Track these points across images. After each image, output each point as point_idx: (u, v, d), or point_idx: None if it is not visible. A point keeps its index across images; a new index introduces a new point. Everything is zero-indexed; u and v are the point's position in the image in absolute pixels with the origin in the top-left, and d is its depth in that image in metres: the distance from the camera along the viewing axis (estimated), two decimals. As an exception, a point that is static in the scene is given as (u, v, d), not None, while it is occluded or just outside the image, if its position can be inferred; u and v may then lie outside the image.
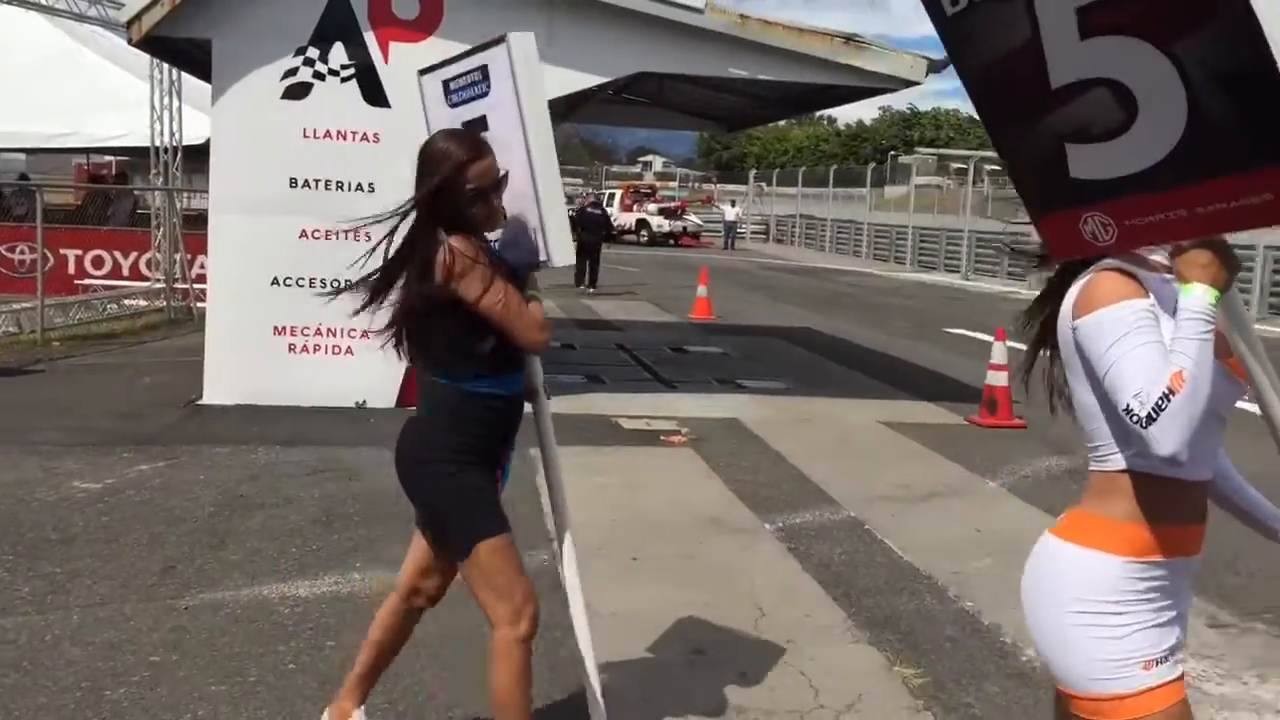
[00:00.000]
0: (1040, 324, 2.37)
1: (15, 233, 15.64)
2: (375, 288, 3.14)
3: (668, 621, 4.78)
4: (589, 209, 22.63)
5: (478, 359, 3.12)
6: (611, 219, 38.40)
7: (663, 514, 6.46)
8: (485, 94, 3.41)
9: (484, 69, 3.40)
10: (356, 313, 3.17)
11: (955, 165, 41.53)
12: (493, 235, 3.26)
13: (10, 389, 9.31)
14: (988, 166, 41.64)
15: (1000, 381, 9.41)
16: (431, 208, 3.07)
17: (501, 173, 3.17)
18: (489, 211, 3.17)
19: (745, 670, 4.28)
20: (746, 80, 9.41)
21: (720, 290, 19.82)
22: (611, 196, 43.84)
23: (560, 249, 3.27)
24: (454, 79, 3.54)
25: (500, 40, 3.33)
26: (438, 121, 3.57)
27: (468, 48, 9.78)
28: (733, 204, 45.97)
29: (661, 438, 8.37)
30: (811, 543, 6.01)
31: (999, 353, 9.54)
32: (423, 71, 3.67)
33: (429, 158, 3.11)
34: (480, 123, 3.37)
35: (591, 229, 21.26)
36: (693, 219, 44.44)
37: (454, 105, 3.53)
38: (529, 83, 3.27)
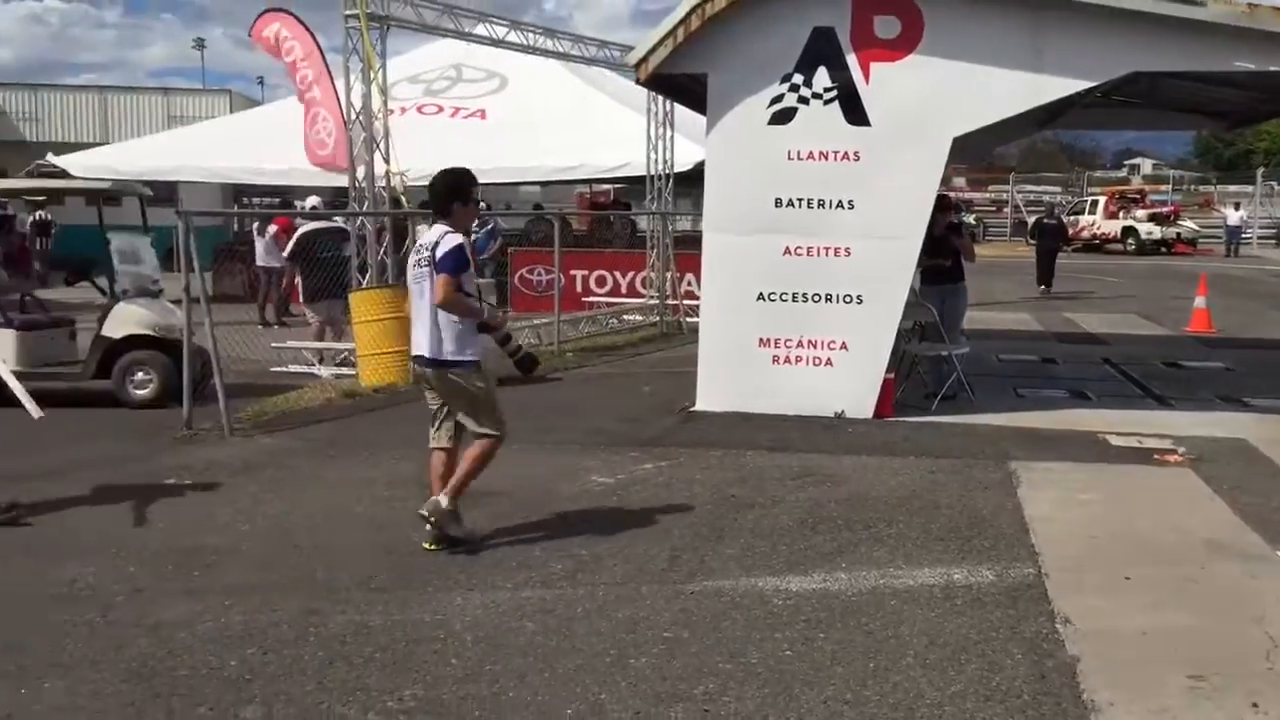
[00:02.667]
0: None
1: (535, 257, 17.71)
2: None
3: (1163, 642, 4.60)
4: (1044, 220, 25.50)
5: None
6: (1087, 226, 38.10)
7: (1156, 534, 6.16)
8: None
9: None
10: None
11: None
12: None
13: (535, 395, 10.57)
14: None
15: None
16: None
17: None
18: None
19: (1256, 700, 4.04)
20: (1253, 73, 8.67)
21: (1222, 301, 18.19)
22: (1095, 203, 41.52)
23: None
24: None
25: None
26: None
27: (947, 64, 9.83)
28: (1237, 206, 41.75)
29: (1155, 456, 7.93)
30: (1334, 575, 5.48)
31: None
32: None
33: None
34: None
35: (1049, 237, 23.73)
36: (1188, 224, 40.92)
37: None
38: None
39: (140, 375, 9.97)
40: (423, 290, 5.73)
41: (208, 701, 4.03)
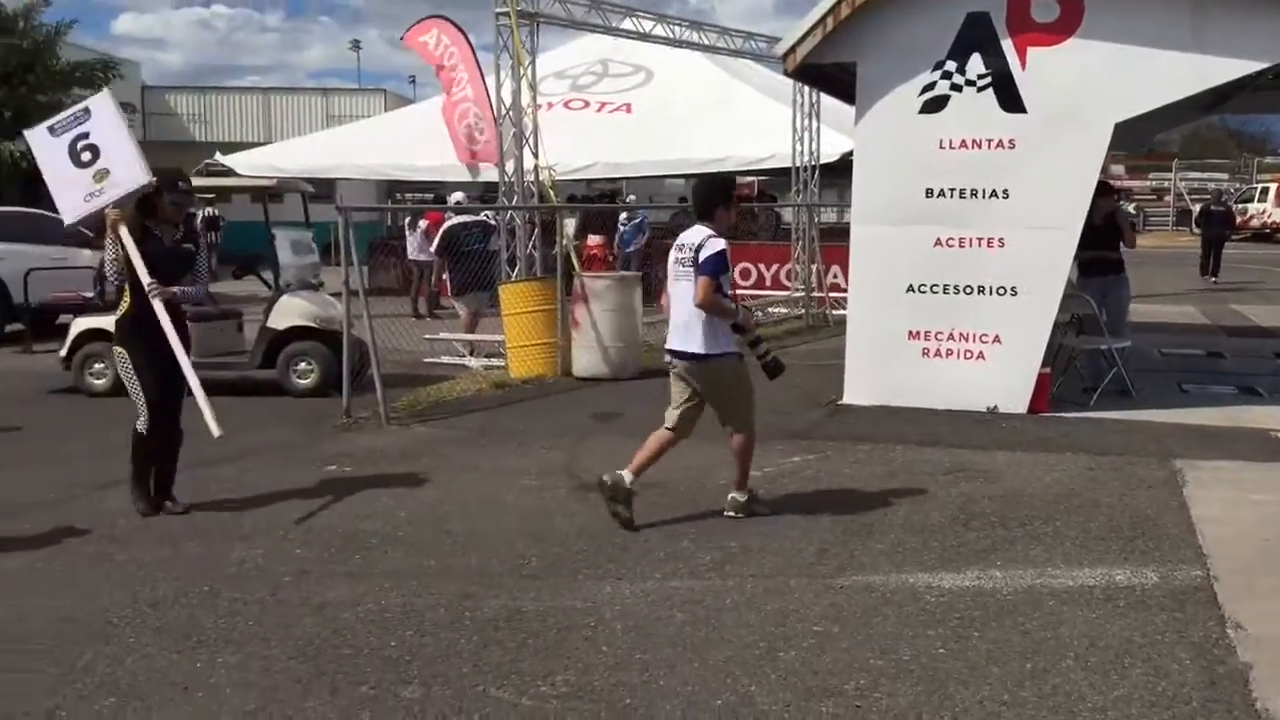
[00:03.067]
0: None
1: (678, 249, 17.72)
2: None
3: (1347, 654, 4.37)
4: (1211, 208, 24.33)
5: None
6: (1256, 214, 36.51)
7: (1337, 539, 5.83)
8: None
9: None
10: None
11: None
12: None
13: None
14: None
15: None
16: None
17: None
18: None
19: None
20: None
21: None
22: (1264, 191, 39.53)
23: None
24: None
25: None
26: None
27: (1108, 47, 9.53)
28: None
29: (1333, 456, 7.52)
30: None
31: None
32: None
33: None
34: None
35: (1216, 225, 23.07)
36: (1369, 211, 38.63)
37: None
38: None
39: (303, 365, 10.37)
40: (683, 289, 5.95)
41: (369, 681, 4.18)
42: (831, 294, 15.50)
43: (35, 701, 4.01)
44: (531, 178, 12.05)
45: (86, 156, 6.58)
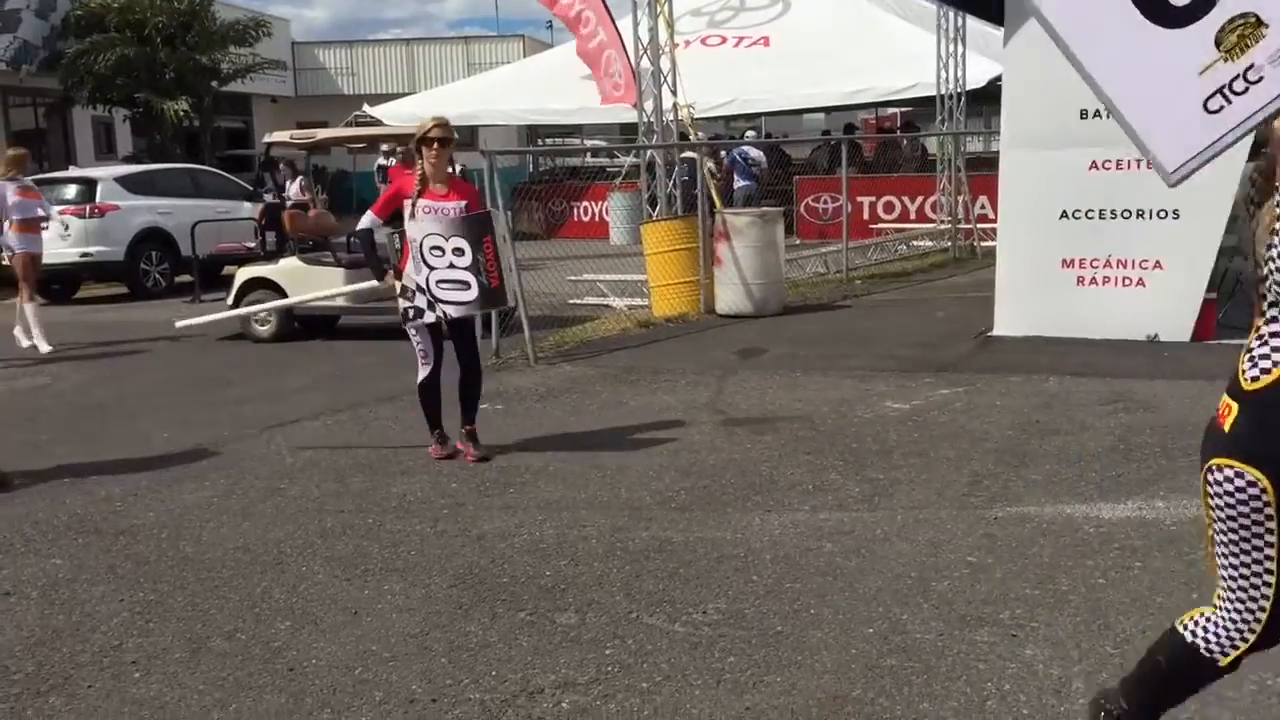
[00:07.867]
0: None
1: (820, 184, 17.52)
2: None
3: None
4: None
5: None
6: None
7: None
8: None
9: None
10: None
11: None
12: None
13: (823, 322, 10.55)
14: None
15: None
16: None
17: None
18: None
19: None
20: None
21: None
22: None
23: None
24: None
25: None
26: None
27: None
28: None
29: None
30: None
31: None
32: None
33: None
34: None
35: None
36: None
37: None
38: None
39: (452, 309, 10.59)
40: None
41: (527, 608, 4.31)
42: (979, 225, 15.09)
43: (218, 625, 4.26)
44: (671, 117, 12.01)
45: None
